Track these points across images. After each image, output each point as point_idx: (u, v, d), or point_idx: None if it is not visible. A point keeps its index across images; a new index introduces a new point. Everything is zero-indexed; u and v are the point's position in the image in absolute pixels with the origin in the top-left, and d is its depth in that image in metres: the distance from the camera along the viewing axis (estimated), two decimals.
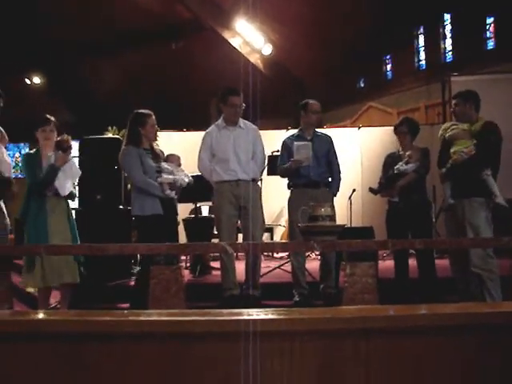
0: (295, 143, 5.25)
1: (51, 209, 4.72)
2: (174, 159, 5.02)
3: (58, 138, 4.82)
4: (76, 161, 4.87)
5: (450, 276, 4.93)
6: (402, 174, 5.14)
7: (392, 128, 5.51)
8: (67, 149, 4.77)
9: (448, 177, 4.79)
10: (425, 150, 5.24)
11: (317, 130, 5.68)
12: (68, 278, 4.69)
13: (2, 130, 4.70)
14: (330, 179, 5.46)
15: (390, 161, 5.35)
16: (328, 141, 5.51)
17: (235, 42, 14.56)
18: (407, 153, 5.18)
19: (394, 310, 1.63)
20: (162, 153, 5.08)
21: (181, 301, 3.12)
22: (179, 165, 5.00)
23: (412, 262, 5.26)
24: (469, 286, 4.61)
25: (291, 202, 5.39)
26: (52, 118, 4.83)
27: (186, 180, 4.91)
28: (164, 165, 4.85)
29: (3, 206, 4.41)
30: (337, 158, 5.51)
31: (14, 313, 1.76)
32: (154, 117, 4.92)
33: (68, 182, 4.77)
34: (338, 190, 5.50)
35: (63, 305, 4.77)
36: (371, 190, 5.53)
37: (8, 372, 1.56)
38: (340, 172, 5.49)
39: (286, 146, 5.46)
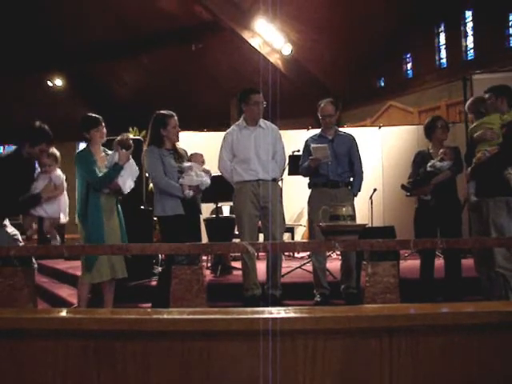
0: (312, 145, 5.25)
1: (106, 207, 4.81)
2: (197, 158, 5.02)
3: (119, 137, 4.90)
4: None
5: (474, 276, 4.89)
6: (436, 172, 5.10)
7: (413, 127, 5.48)
8: (129, 147, 4.86)
9: (472, 176, 4.74)
10: (457, 149, 5.21)
11: (340, 129, 5.66)
12: (119, 273, 4.82)
13: (56, 152, 4.81)
14: (351, 178, 5.44)
15: (420, 159, 5.31)
16: (349, 140, 5.47)
17: (255, 42, 14.56)
18: (441, 150, 5.14)
19: (417, 309, 1.63)
20: (186, 152, 5.10)
21: (202, 301, 3.13)
22: (203, 162, 5.01)
23: (437, 261, 5.24)
24: (493, 285, 4.57)
25: (311, 201, 5.38)
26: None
27: (209, 181, 4.93)
28: (185, 165, 4.86)
29: (7, 223, 4.54)
30: (359, 158, 5.46)
31: (42, 311, 1.79)
32: (175, 117, 4.95)
33: (129, 180, 4.85)
34: (360, 190, 5.46)
35: (108, 301, 4.85)
36: (404, 187, 5.47)
37: (36, 369, 1.59)
38: (362, 172, 5.45)
39: (308, 145, 5.45)
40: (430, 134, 5.33)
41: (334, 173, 5.29)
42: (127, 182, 4.84)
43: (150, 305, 4.99)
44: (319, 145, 5.23)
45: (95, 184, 4.77)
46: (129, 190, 4.88)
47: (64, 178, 4.90)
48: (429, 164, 5.15)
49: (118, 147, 4.83)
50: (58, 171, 4.78)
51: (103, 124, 4.92)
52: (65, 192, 5.01)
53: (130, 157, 4.88)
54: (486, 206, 4.52)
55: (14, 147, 4.63)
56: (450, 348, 1.57)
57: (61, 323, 1.59)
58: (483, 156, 4.54)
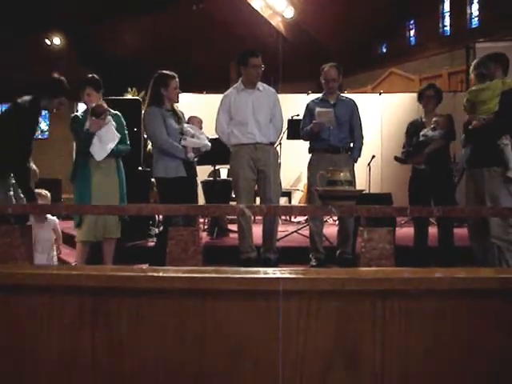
0: (317, 109, 5.21)
1: (96, 167, 4.82)
2: (195, 121, 4.97)
3: (93, 104, 4.84)
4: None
5: (467, 245, 4.91)
6: (428, 141, 5.08)
7: (414, 95, 5.44)
8: (101, 114, 4.79)
9: (467, 142, 4.70)
10: (450, 117, 5.17)
11: (341, 94, 5.63)
12: (112, 233, 4.91)
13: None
14: (351, 144, 5.42)
15: (413, 128, 5.29)
16: (351, 105, 5.45)
17: (257, 4, 14.36)
18: (433, 119, 5.11)
19: (411, 273, 1.64)
20: (183, 114, 5.06)
21: (198, 262, 3.14)
22: (201, 127, 4.97)
23: (431, 230, 5.27)
24: (486, 255, 4.58)
25: (311, 165, 5.37)
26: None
27: (210, 144, 4.90)
28: (186, 127, 4.82)
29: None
30: (360, 124, 5.45)
31: (38, 267, 1.80)
32: (177, 79, 4.89)
33: (106, 147, 4.78)
34: (359, 156, 5.46)
35: (107, 260, 4.95)
36: (397, 158, 5.47)
37: (32, 324, 1.60)
38: (362, 138, 5.44)
39: (309, 109, 5.42)
40: (420, 101, 5.33)
41: (336, 138, 5.27)
42: (100, 149, 4.76)
43: (146, 265, 5.04)
44: (324, 109, 5.20)
45: (79, 147, 4.88)
46: (103, 158, 4.78)
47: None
48: (421, 133, 5.13)
49: (90, 114, 4.80)
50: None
51: (90, 88, 4.91)
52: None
53: (108, 122, 4.83)
54: (482, 176, 4.49)
55: (29, 97, 4.60)
56: (443, 312, 1.59)
57: (57, 279, 1.59)
58: (478, 123, 4.49)
